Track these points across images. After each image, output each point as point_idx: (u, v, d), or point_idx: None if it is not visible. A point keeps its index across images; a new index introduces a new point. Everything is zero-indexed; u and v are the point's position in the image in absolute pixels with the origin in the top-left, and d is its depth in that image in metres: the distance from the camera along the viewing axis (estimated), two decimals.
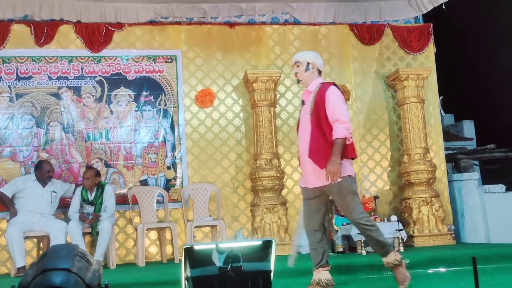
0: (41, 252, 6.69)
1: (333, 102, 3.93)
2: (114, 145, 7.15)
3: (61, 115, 7.06)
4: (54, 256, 2.47)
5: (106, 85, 7.20)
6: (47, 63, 7.09)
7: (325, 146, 3.89)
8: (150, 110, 7.27)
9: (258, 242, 2.45)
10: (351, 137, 3.94)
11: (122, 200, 6.93)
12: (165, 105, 7.28)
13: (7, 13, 6.99)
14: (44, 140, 6.98)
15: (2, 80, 6.94)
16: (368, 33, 7.87)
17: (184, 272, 2.38)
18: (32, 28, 7.04)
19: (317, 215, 4.08)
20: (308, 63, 4.11)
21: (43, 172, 6.33)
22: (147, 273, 5.57)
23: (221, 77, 7.49)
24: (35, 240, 6.66)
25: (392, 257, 3.96)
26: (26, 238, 6.18)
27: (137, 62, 7.30)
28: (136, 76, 7.27)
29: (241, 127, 7.46)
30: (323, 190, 4.00)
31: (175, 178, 7.21)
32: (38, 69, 7.06)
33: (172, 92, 7.31)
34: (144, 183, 7.12)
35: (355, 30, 7.85)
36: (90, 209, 6.36)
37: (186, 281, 2.38)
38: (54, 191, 6.42)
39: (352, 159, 4.03)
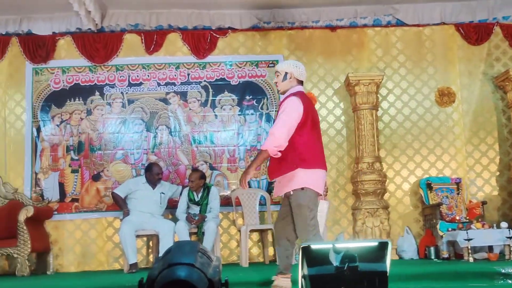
0: (150, 250, 7.07)
1: (280, 112, 3.95)
2: (218, 148, 7.39)
3: (169, 119, 7.41)
4: (178, 252, 2.63)
5: (210, 90, 7.47)
6: (156, 70, 7.48)
7: (278, 157, 3.89)
8: (252, 114, 7.45)
9: (374, 243, 2.46)
10: (276, 153, 3.84)
11: (225, 201, 7.13)
12: (267, 109, 7.43)
13: (121, 21, 7.44)
14: (153, 143, 7.37)
15: (116, 87, 7.41)
16: (475, 33, 7.55)
17: (301, 270, 2.44)
18: (143, 37, 7.46)
19: (283, 222, 4.10)
20: (286, 73, 4.12)
21: (153, 174, 6.67)
22: (253, 273, 5.68)
23: (322, 81, 7.52)
24: (145, 238, 7.03)
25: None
26: (137, 236, 6.51)
27: (240, 67, 7.51)
28: (239, 81, 7.48)
29: (342, 131, 7.44)
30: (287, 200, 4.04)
31: None
32: (148, 75, 7.46)
33: (274, 96, 7.44)
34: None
35: (461, 30, 7.57)
36: (196, 209, 6.62)
37: (303, 279, 2.44)
38: (163, 193, 6.75)
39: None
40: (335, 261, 2.36)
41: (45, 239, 6.75)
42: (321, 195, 4.09)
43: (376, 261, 2.42)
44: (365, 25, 7.64)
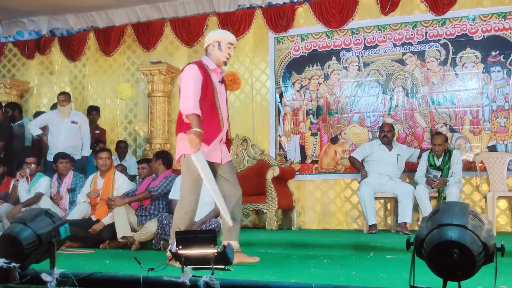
0: (387, 213, 7.05)
1: None
2: (459, 109, 6.96)
3: (405, 80, 7.19)
4: (447, 212, 2.53)
5: (450, 47, 7.01)
6: (391, 31, 7.29)
7: None
8: (499, 71, 6.80)
9: None
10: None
11: (467, 166, 6.70)
12: None
13: None
14: (389, 105, 7.25)
15: (352, 50, 7.43)
16: None
17: None
18: None
19: None
20: None
21: (380, 131, 6.75)
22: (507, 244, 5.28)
23: None
24: (382, 201, 7.03)
25: None
26: (375, 198, 6.53)
27: (484, 20, 6.89)
28: (483, 36, 6.88)
29: None
30: None
31: None
32: (383, 37, 7.31)
33: None
34: (492, 149, 6.76)
35: None
36: (436, 174, 6.36)
37: None
38: (399, 154, 6.65)
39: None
40: None
41: (289, 197, 7.22)
42: None
43: None
44: None
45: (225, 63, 4.28)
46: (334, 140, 7.42)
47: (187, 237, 2.95)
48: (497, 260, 2.43)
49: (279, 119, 7.69)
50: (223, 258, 2.87)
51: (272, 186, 6.77)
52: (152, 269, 2.96)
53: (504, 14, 6.80)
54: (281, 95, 7.70)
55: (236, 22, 7.91)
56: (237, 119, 7.81)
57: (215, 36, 4.26)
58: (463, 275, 2.36)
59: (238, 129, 7.73)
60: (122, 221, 5.56)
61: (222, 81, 4.33)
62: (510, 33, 6.75)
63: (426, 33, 7.14)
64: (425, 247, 2.45)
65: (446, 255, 2.35)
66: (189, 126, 3.98)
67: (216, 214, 5.51)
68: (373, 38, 7.36)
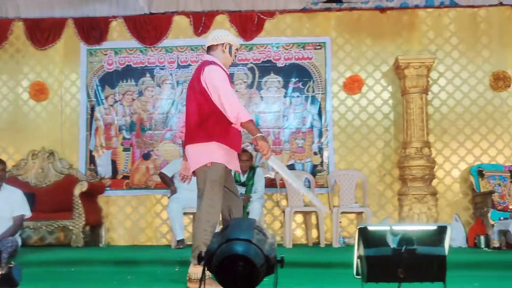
0: None
1: None
2: (263, 130, 7.36)
3: None
4: (236, 228, 2.70)
5: (257, 72, 7.50)
6: (204, 52, 7.47)
7: None
8: (298, 96, 7.45)
9: (432, 227, 2.48)
10: None
11: (269, 183, 7.17)
12: (313, 91, 7.42)
13: (171, 3, 7.55)
14: None
15: (165, 68, 7.54)
16: None
17: (357, 251, 2.48)
18: (191, 19, 7.53)
19: None
20: None
21: None
22: (297, 254, 5.75)
23: (370, 64, 7.44)
24: (191, 216, 7.16)
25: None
26: (184, 214, 6.63)
27: (287, 49, 7.51)
28: (285, 63, 7.48)
29: (390, 114, 7.37)
30: None
31: (321, 164, 7.33)
32: (196, 57, 7.53)
33: (320, 79, 7.42)
34: (291, 167, 7.32)
35: None
36: (241, 190, 6.70)
37: (359, 259, 2.48)
38: None
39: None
40: (392, 243, 2.39)
41: (98, 213, 7.04)
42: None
43: (434, 245, 2.43)
44: (416, 6, 7.45)
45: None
46: (146, 156, 7.41)
47: None
48: (277, 271, 2.64)
49: (90, 133, 7.46)
50: (8, 280, 2.70)
51: (79, 201, 6.55)
52: None
53: (303, 44, 7.49)
54: (93, 109, 7.48)
55: (45, 29, 7.53)
56: (44, 131, 7.50)
57: (228, 38, 4.00)
58: (247, 286, 2.53)
59: (44, 141, 7.37)
60: None
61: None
62: (308, 62, 7.45)
63: (235, 56, 7.46)
64: (214, 261, 2.57)
65: (232, 268, 2.50)
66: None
67: (13, 232, 5.12)
68: (186, 57, 7.54)
